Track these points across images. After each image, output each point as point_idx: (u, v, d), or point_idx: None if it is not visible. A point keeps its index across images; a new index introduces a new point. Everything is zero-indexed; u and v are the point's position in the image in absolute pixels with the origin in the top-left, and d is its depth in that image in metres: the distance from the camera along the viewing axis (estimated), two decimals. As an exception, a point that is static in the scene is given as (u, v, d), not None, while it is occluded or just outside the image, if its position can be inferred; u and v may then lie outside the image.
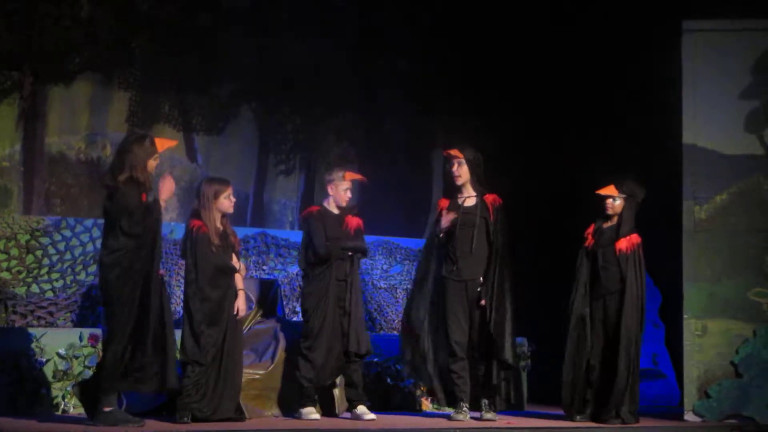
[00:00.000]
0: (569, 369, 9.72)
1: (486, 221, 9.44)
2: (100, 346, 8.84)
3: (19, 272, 10.07)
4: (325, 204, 9.59)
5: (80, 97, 10.98)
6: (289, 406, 9.48)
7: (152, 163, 8.36)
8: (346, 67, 12.40)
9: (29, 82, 10.71)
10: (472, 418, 9.38)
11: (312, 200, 11.87)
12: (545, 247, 11.66)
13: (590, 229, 9.84)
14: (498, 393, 9.46)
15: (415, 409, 10.36)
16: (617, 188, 9.74)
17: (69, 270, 10.24)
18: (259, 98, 11.89)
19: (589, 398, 9.69)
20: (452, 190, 9.60)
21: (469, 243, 9.42)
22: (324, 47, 12.22)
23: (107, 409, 8.24)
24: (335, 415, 9.64)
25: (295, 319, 10.55)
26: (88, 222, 10.36)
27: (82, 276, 10.27)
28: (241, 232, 10.11)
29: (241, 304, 9.01)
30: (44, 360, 9.19)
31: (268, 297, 9.99)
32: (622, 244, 9.66)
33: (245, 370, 9.17)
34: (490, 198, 9.49)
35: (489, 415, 9.38)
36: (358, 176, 9.81)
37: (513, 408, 9.77)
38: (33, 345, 9.19)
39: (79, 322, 10.09)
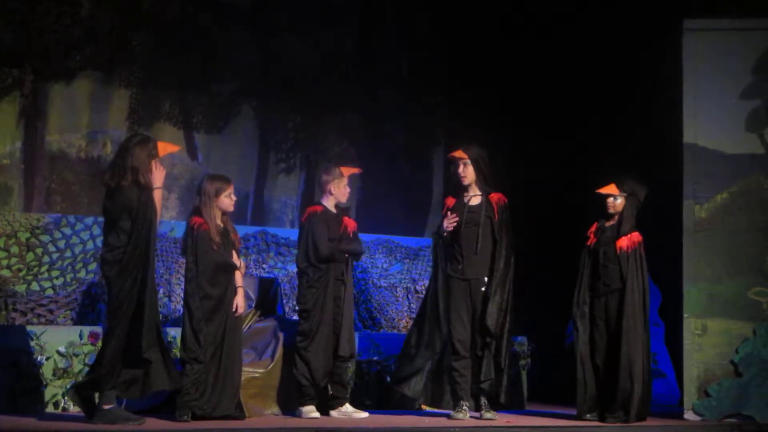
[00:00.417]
0: (580, 368, 9.70)
1: (491, 220, 9.45)
2: (100, 343, 8.83)
3: (20, 270, 10.07)
4: (325, 203, 9.59)
5: (81, 94, 10.97)
6: (289, 405, 9.48)
7: (153, 166, 8.37)
8: (347, 66, 12.41)
9: (30, 80, 10.70)
10: (471, 417, 9.38)
11: (312, 198, 11.87)
12: (545, 247, 11.66)
13: (593, 229, 9.85)
14: (498, 391, 9.46)
15: (414, 409, 10.35)
16: (618, 187, 9.75)
17: (69, 268, 10.24)
18: (259, 96, 11.89)
19: (593, 397, 9.69)
20: (458, 189, 9.61)
21: (474, 242, 9.44)
22: (325, 46, 12.22)
23: (107, 407, 8.25)
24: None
25: (294, 317, 10.55)
26: (89, 220, 10.36)
27: (82, 274, 10.27)
28: (242, 230, 10.11)
29: (240, 302, 9.02)
30: (44, 358, 9.19)
31: (268, 295, 9.98)
32: (623, 242, 9.66)
33: (245, 369, 9.17)
34: (495, 197, 9.50)
35: (489, 415, 9.38)
36: (354, 169, 9.83)
37: (513, 407, 9.78)
38: (33, 343, 9.18)
39: (79, 320, 10.08)
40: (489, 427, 9.11)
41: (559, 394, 9.88)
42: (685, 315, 10.18)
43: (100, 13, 10.95)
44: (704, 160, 10.23)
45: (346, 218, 9.59)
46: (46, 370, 9.18)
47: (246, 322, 9.54)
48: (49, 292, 10.12)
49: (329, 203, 9.58)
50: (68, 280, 10.21)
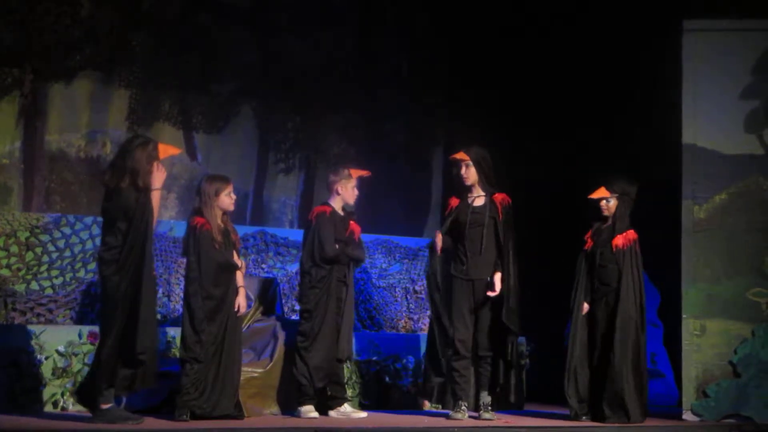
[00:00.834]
0: (577, 369, 9.71)
1: (495, 221, 9.47)
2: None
3: (19, 269, 10.07)
4: (333, 204, 9.57)
5: (80, 94, 10.97)
6: (288, 405, 9.49)
7: (154, 167, 8.37)
8: (347, 66, 12.41)
9: (29, 80, 10.71)
10: (470, 417, 9.39)
11: (312, 199, 11.88)
12: (545, 247, 11.66)
13: (589, 233, 9.88)
14: (504, 392, 9.48)
15: (414, 408, 10.36)
16: (608, 189, 9.80)
17: (69, 267, 10.25)
18: (259, 97, 11.89)
19: (587, 397, 9.71)
20: (462, 189, 9.62)
21: (478, 242, 9.46)
22: (325, 46, 12.22)
23: (105, 407, 8.26)
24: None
25: (294, 317, 10.55)
26: (88, 219, 10.36)
27: (81, 273, 10.27)
28: (241, 230, 10.10)
29: (241, 302, 9.03)
30: (43, 357, 9.20)
31: (267, 295, 9.99)
32: (618, 240, 9.70)
33: (244, 368, 9.17)
34: (499, 197, 9.52)
35: (487, 415, 9.39)
36: (363, 172, 9.80)
37: (512, 407, 9.78)
38: (32, 342, 9.19)
39: (79, 320, 10.09)
40: (488, 427, 9.11)
41: (559, 394, 9.86)
42: (683, 315, 10.18)
43: (100, 13, 10.96)
44: (703, 160, 10.23)
45: (352, 222, 9.58)
46: (46, 370, 9.19)
47: (245, 321, 9.55)
48: (49, 291, 10.12)
49: (336, 204, 9.56)
50: (68, 279, 10.21)
